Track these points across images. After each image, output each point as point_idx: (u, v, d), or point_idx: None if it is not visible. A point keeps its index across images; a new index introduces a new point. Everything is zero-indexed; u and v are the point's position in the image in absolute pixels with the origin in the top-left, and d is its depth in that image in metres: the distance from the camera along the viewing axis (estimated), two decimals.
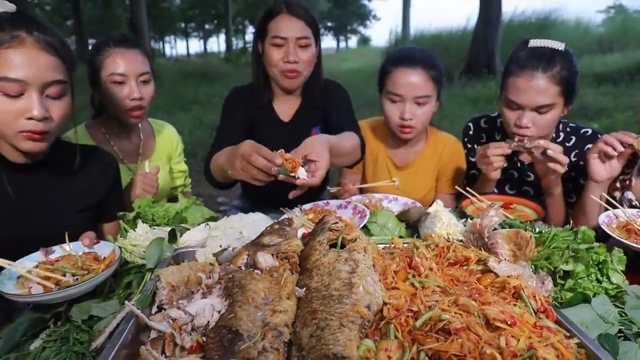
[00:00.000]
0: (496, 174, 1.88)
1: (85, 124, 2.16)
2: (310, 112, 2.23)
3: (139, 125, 2.23)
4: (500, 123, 2.18)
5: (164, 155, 2.35)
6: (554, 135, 2.04)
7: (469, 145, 2.29)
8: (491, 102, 10.21)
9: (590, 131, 2.02)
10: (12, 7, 1.33)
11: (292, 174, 1.40)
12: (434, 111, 2.11)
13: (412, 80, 2.00)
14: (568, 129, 2.05)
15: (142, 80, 2.02)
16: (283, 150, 1.45)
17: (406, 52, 2.12)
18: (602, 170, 1.72)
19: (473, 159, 2.22)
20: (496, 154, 1.82)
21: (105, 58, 1.97)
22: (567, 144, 2.01)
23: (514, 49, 1.93)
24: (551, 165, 1.75)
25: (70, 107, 1.41)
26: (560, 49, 1.83)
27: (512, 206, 1.84)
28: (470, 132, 2.29)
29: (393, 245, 1.26)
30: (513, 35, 14.99)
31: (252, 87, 2.21)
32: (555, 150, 1.74)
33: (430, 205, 1.58)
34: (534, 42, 1.88)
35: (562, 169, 1.75)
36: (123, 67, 1.96)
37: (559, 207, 1.92)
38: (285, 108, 2.22)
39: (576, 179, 1.99)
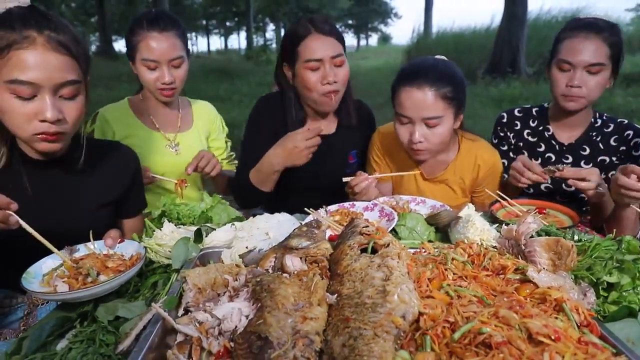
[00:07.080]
0: (522, 186, 1.85)
1: (128, 98, 2.24)
2: (347, 132, 2.21)
3: (178, 100, 2.28)
4: (535, 112, 2.19)
5: (202, 131, 2.35)
6: (592, 120, 2.09)
7: (502, 134, 2.24)
8: (515, 103, 9.99)
9: (626, 121, 2.09)
10: (25, 0, 1.30)
11: None
12: (452, 128, 1.89)
13: (418, 101, 1.78)
14: (605, 118, 2.10)
15: (173, 65, 2.04)
16: None
17: (414, 67, 1.91)
18: None
19: (504, 148, 2.22)
20: (532, 179, 1.77)
21: (138, 42, 1.99)
22: (605, 130, 2.07)
23: (564, 26, 2.03)
24: (582, 185, 1.71)
25: (84, 106, 1.39)
26: (607, 20, 1.97)
27: (545, 211, 1.77)
28: (504, 121, 2.24)
29: (424, 251, 1.22)
30: (538, 34, 14.65)
31: (283, 105, 2.13)
32: (584, 175, 1.70)
33: (461, 209, 1.53)
34: (582, 17, 2.05)
35: (591, 192, 1.73)
36: (155, 53, 1.98)
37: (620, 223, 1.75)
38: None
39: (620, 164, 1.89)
